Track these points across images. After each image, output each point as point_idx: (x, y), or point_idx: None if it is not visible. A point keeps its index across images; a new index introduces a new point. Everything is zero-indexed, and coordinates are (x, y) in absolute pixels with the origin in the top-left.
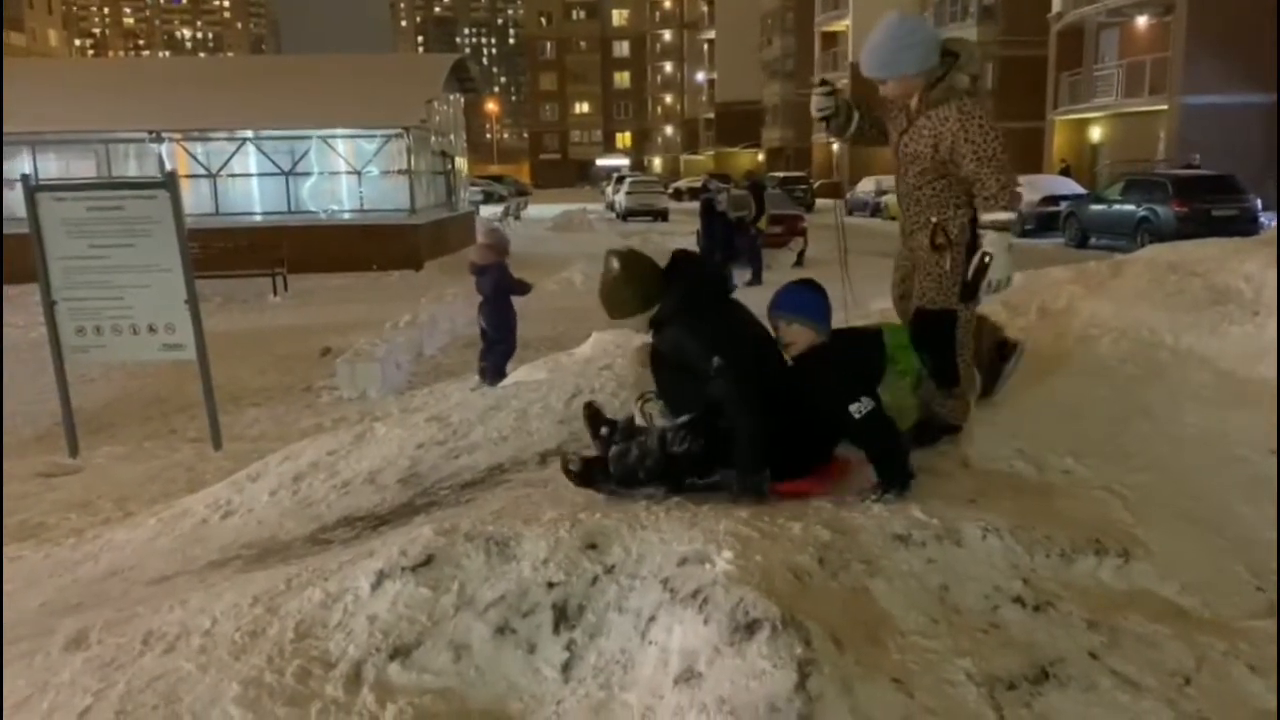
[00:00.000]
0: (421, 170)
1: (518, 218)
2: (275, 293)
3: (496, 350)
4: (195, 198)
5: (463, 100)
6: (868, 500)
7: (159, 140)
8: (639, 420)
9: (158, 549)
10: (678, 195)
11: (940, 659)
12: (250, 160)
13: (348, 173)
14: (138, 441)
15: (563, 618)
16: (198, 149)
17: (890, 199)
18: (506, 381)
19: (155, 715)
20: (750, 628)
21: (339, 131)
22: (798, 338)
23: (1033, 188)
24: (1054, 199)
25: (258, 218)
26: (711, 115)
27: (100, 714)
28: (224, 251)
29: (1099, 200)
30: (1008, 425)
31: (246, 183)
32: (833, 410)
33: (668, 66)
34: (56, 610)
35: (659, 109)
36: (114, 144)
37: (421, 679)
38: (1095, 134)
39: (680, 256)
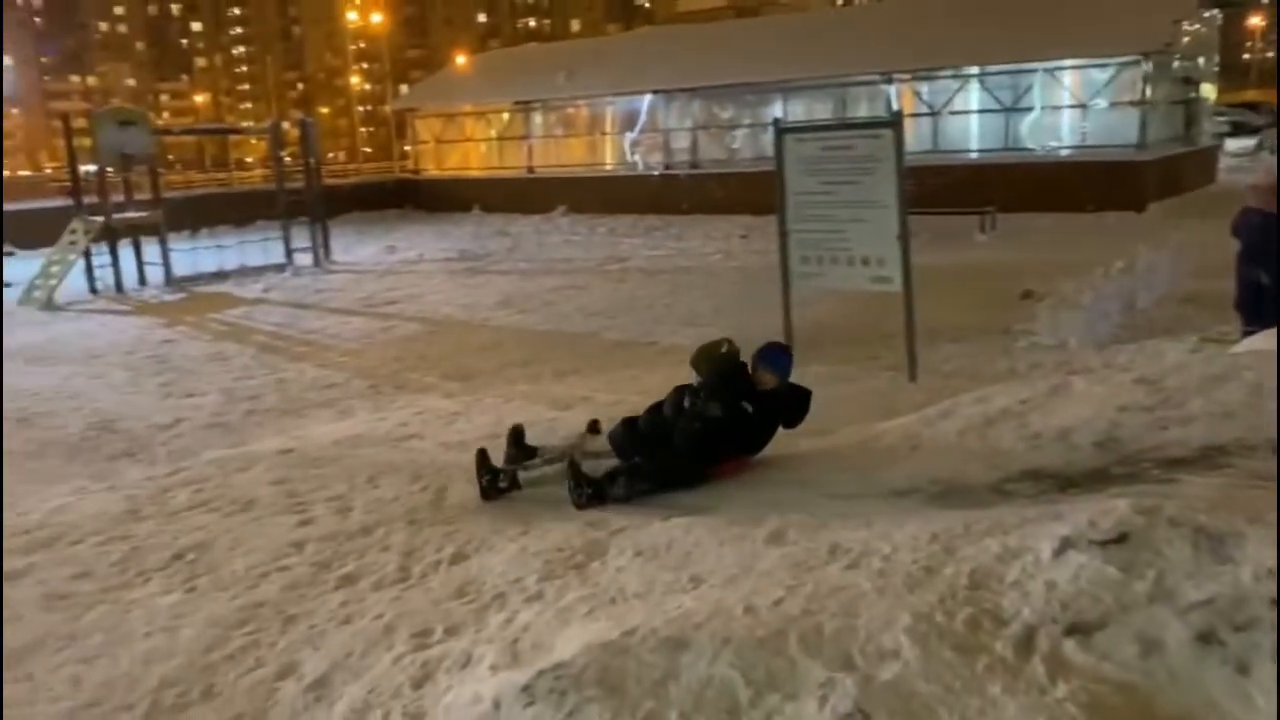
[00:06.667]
0: (1157, 100)
1: (1271, 151)
2: (983, 230)
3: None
4: (916, 136)
5: (1220, 17)
6: None
7: (889, 81)
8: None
9: (843, 466)
10: None
11: None
12: (972, 97)
13: (1071, 106)
14: (838, 363)
15: None
16: (923, 88)
17: None
18: (1239, 347)
19: (834, 622)
20: None
21: (1067, 62)
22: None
23: None
24: None
25: (973, 155)
26: None
27: (790, 607)
28: (937, 188)
29: None
30: None
31: (965, 120)
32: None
33: None
34: (763, 504)
35: None
36: (849, 87)
37: (1100, 665)
38: None
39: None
